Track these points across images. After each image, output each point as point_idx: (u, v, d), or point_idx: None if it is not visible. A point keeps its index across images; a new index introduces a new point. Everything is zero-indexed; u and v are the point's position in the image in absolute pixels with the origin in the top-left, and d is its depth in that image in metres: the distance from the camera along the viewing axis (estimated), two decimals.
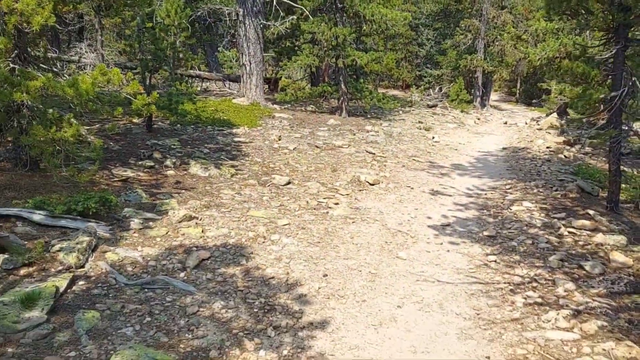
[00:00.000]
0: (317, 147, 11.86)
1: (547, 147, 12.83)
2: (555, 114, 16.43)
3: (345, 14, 16.20)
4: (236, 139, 11.88)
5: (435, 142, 14.08)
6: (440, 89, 35.27)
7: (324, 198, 8.17)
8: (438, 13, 37.63)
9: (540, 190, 8.91)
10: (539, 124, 16.67)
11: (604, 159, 12.39)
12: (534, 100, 39.74)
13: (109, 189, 7.17)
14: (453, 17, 34.32)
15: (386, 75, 35.70)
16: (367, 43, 28.40)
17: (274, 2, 15.24)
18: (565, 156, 12.02)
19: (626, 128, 7.25)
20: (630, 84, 6.87)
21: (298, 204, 7.78)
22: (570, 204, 7.99)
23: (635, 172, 7.61)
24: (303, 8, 15.87)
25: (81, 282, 4.60)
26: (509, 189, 9.23)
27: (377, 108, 18.71)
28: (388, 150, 12.35)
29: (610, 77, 7.28)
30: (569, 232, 6.66)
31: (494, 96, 34.09)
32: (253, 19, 15.31)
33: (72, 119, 6.38)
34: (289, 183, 8.83)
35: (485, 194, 8.92)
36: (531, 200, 8.23)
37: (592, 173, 10.02)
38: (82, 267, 4.87)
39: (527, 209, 7.72)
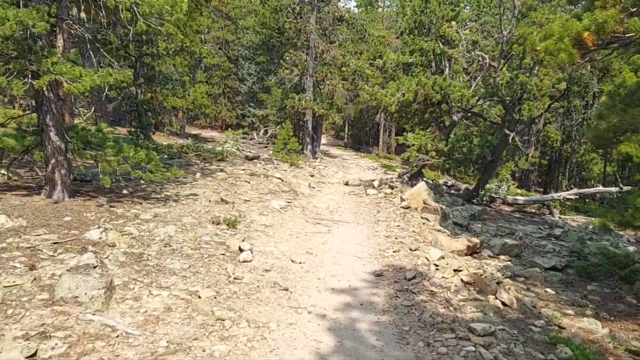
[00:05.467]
0: None
1: (456, 271, 6.29)
2: (424, 185, 10.42)
3: None
4: None
5: (245, 262, 6.37)
6: (266, 132, 28.58)
7: None
8: (260, 45, 31.34)
9: None
10: (403, 197, 10.50)
11: (540, 291, 6.27)
12: (362, 146, 36.16)
13: None
14: (277, 52, 28.27)
15: (202, 113, 27.45)
16: (169, 75, 20.26)
17: None
18: (503, 303, 5.57)
19: None
20: None
21: None
22: None
23: None
24: None
25: None
26: None
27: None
28: (105, 336, 4.22)
29: None
30: None
31: (322, 140, 28.71)
32: None
33: None
34: None
35: None
36: None
37: None
38: None
39: None
